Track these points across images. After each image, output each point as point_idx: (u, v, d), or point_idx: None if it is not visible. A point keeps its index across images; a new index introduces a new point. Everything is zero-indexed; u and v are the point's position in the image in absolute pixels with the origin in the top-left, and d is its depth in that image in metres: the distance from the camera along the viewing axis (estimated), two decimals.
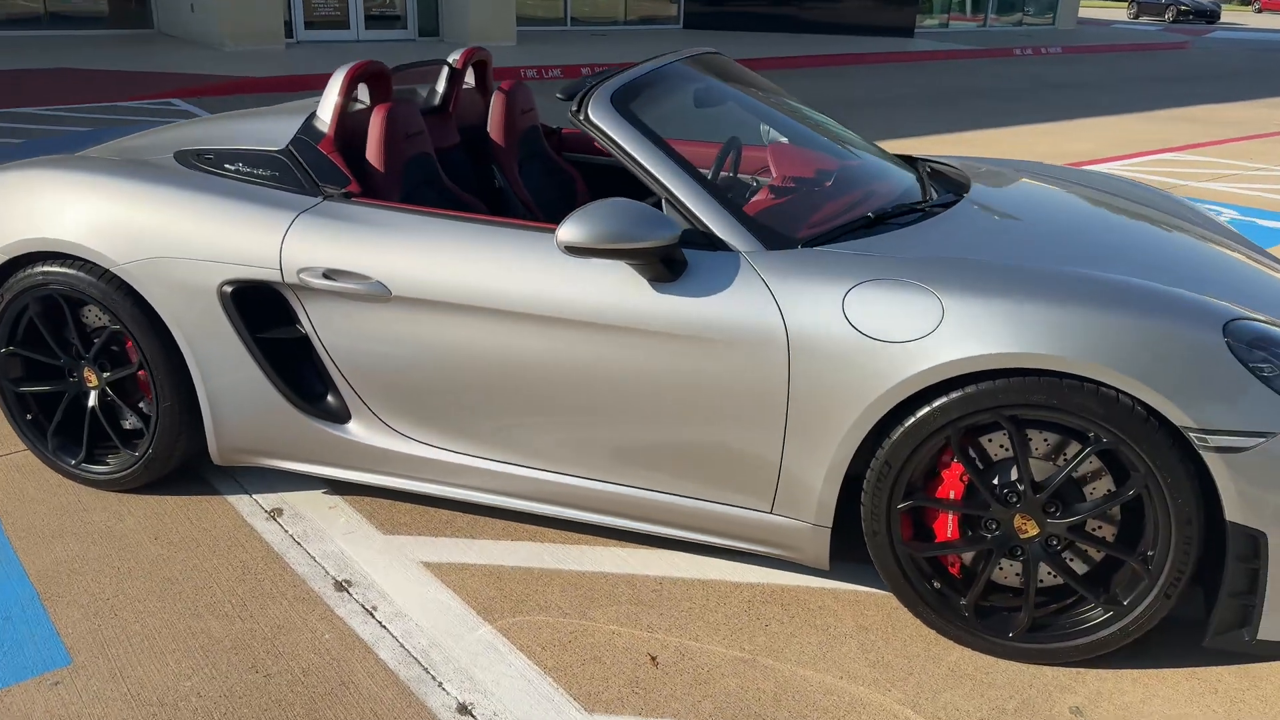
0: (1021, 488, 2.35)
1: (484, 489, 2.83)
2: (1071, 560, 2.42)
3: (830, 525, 2.51)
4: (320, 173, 2.92)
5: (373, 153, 3.04)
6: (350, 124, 3.10)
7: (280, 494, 3.16)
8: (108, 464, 3.15)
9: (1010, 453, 2.38)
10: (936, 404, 2.33)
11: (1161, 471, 2.22)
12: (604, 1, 20.74)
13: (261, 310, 2.88)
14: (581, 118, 2.64)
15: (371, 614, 2.61)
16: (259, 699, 2.31)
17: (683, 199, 2.55)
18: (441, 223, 2.71)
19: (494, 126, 3.66)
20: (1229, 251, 2.98)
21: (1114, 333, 2.21)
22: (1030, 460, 2.36)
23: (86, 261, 2.94)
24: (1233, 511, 2.21)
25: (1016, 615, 2.45)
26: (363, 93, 3.33)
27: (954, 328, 2.29)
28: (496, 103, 3.65)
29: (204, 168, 3.01)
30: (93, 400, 3.12)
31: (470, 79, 3.88)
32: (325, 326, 2.80)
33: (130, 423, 3.14)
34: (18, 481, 3.23)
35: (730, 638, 2.54)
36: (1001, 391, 2.27)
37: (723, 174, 3.42)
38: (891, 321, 2.33)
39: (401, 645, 2.49)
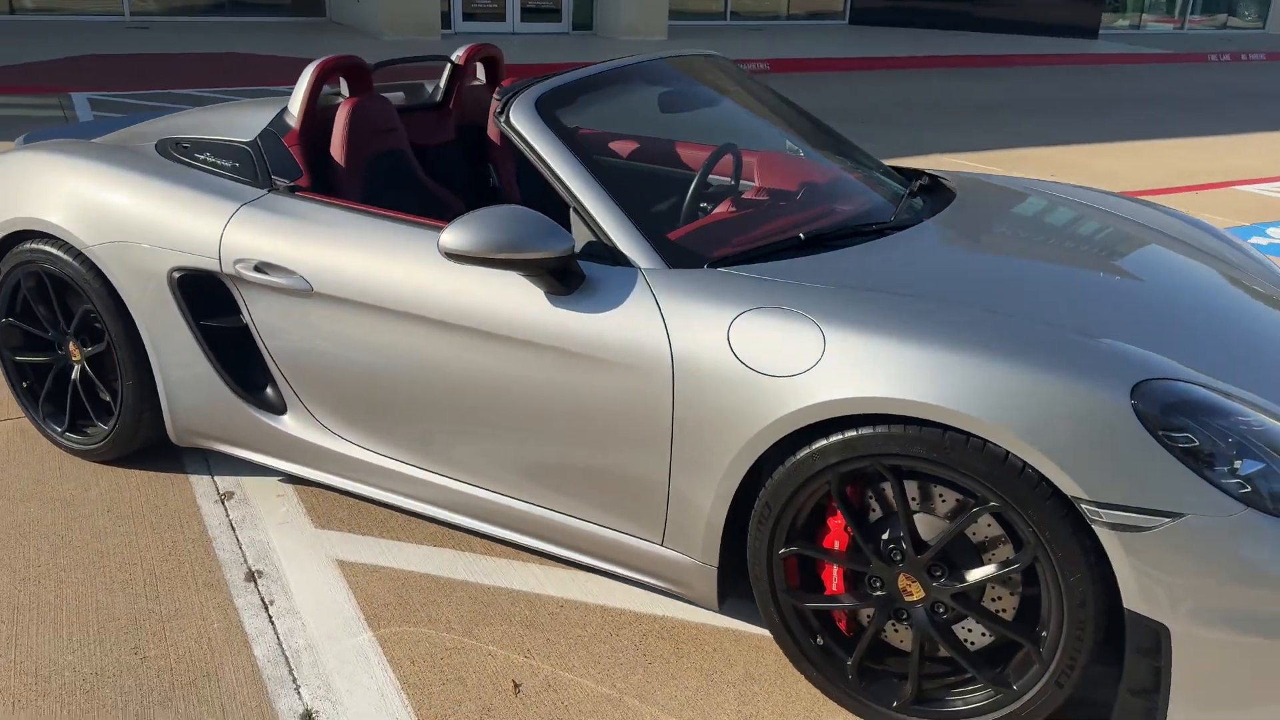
0: (905, 546, 2.13)
1: (404, 494, 2.80)
2: (969, 631, 2.18)
3: (716, 564, 2.35)
4: (276, 165, 2.95)
5: (336, 147, 3.06)
6: (322, 118, 3.12)
7: (239, 478, 3.23)
8: (85, 435, 3.29)
9: (912, 504, 2.16)
10: (816, 446, 2.14)
11: (1052, 545, 1.96)
12: None
13: (210, 298, 2.94)
14: (503, 121, 2.56)
15: (266, 608, 2.62)
16: (124, 681, 2.36)
17: (589, 209, 2.43)
18: (366, 220, 2.69)
19: (491, 125, 3.62)
20: (1259, 300, 2.62)
21: (1003, 385, 1.96)
22: (919, 517, 2.14)
23: (64, 242, 3.07)
24: (1131, 599, 1.93)
25: (904, 684, 2.22)
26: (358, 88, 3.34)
27: (833, 366, 2.09)
28: (495, 100, 3.60)
29: (178, 157, 3.10)
30: (75, 373, 3.27)
31: (481, 75, 3.85)
32: (262, 318, 2.83)
33: (105, 397, 3.27)
34: (16, 444, 3.42)
35: (606, 672, 2.41)
36: (881, 439, 2.06)
37: (712, 179, 3.27)
38: (773, 353, 2.15)
39: (279, 643, 2.49)
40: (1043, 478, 1.94)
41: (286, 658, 2.44)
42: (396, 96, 3.71)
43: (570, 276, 2.36)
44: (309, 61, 3.51)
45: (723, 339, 2.20)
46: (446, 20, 15.68)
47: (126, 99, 9.83)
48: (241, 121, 3.13)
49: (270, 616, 2.59)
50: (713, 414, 2.22)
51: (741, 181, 3.26)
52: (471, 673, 2.41)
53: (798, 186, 3.03)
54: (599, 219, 2.42)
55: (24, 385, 3.39)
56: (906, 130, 9.94)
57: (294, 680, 2.37)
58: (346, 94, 3.28)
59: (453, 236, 2.29)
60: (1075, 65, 17.12)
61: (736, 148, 3.32)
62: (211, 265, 2.83)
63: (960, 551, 2.11)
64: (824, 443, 2.12)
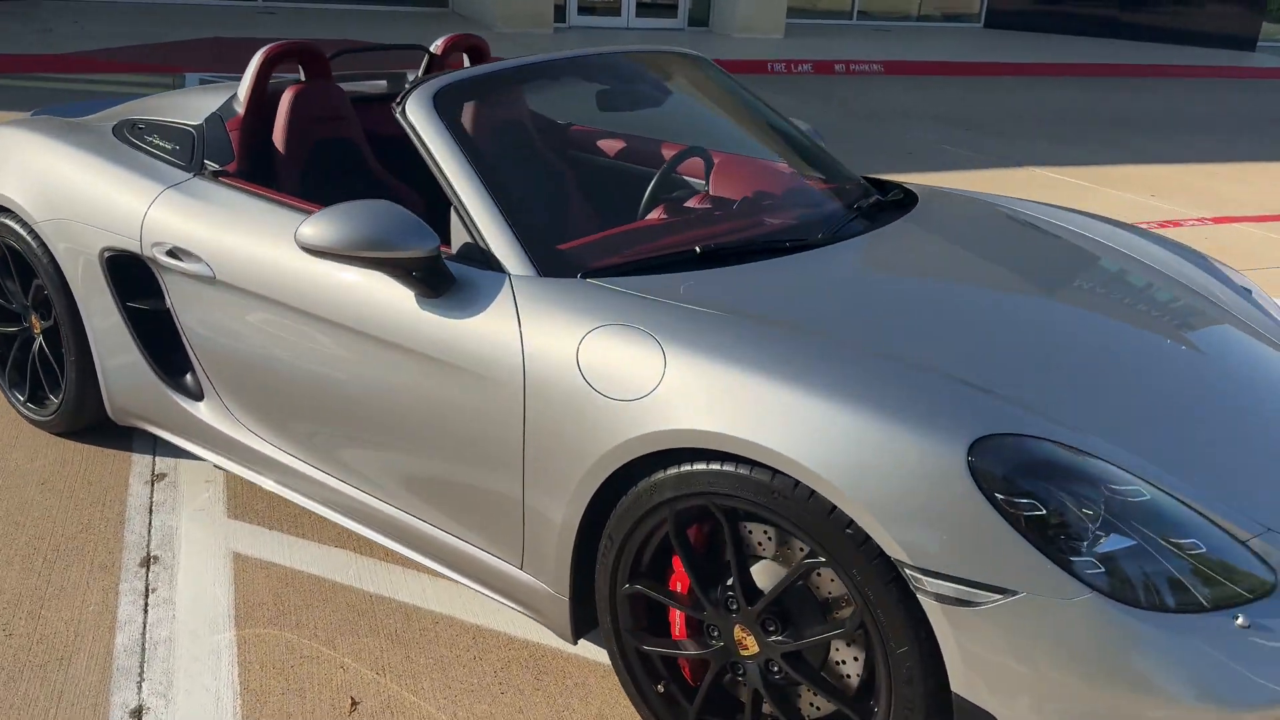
0: (736, 595, 1.93)
1: (300, 491, 2.73)
2: (812, 695, 1.96)
3: (568, 596, 2.19)
4: (212, 150, 2.93)
5: (277, 134, 3.01)
6: (273, 104, 3.08)
7: (178, 461, 3.23)
8: (43, 407, 3.35)
9: (761, 550, 1.96)
10: (654, 478, 1.96)
11: (879, 611, 1.74)
12: None
13: (138, 280, 2.93)
14: (398, 112, 2.45)
15: (146, 595, 2.60)
16: None
17: (468, 209, 2.30)
18: (268, 208, 2.63)
19: (517, 126, 3.52)
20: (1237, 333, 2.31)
21: (833, 428, 1.74)
22: (766, 565, 1.93)
23: (19, 216, 3.13)
24: (958, 681, 1.69)
25: None
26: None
27: (668, 393, 1.91)
28: (521, 100, 3.50)
29: (128, 137, 3.11)
30: (35, 346, 3.33)
31: (468, 65, 3.76)
32: (178, 304, 2.80)
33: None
34: None
35: (452, 699, 2.29)
36: (712, 477, 1.87)
37: (673, 179, 3.09)
38: (616, 374, 1.98)
39: (142, 634, 2.46)
40: (869, 535, 1.72)
41: (143, 649, 2.40)
42: (378, 85, 3.66)
43: (439, 279, 2.24)
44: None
45: (572, 355, 2.04)
46: (562, 14, 15.75)
47: (233, 79, 10.19)
48: (199, 105, 3.12)
49: (146, 605, 2.56)
50: (559, 435, 2.06)
51: (689, 184, 3.07)
52: (315, 685, 2.32)
53: (739, 194, 2.83)
54: (476, 220, 2.29)
55: None
56: (1007, 140, 9.44)
57: (140, 674, 2.33)
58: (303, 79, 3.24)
59: (311, 230, 2.19)
60: (1227, 79, 16.00)
61: (704, 151, 3.14)
62: (134, 247, 2.82)
63: (801, 608, 1.90)
64: (661, 475, 1.94)
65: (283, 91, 3.10)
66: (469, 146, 2.38)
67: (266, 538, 2.85)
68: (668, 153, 3.37)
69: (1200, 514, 1.73)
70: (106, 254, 2.90)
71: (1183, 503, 1.73)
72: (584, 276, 2.20)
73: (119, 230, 2.85)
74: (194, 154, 2.93)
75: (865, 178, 3.17)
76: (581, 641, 2.48)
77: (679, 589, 2.05)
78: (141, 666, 2.35)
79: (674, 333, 1.97)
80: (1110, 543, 1.66)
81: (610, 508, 2.10)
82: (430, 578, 2.70)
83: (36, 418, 3.35)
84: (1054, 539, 1.63)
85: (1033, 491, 1.66)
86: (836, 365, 1.84)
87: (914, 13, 20.05)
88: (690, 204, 2.81)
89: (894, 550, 1.68)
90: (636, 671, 2.12)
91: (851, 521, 1.73)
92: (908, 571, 1.68)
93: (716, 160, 3.04)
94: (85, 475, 3.14)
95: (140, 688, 2.29)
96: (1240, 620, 1.62)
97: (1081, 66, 15.13)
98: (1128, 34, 20.18)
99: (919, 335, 2.03)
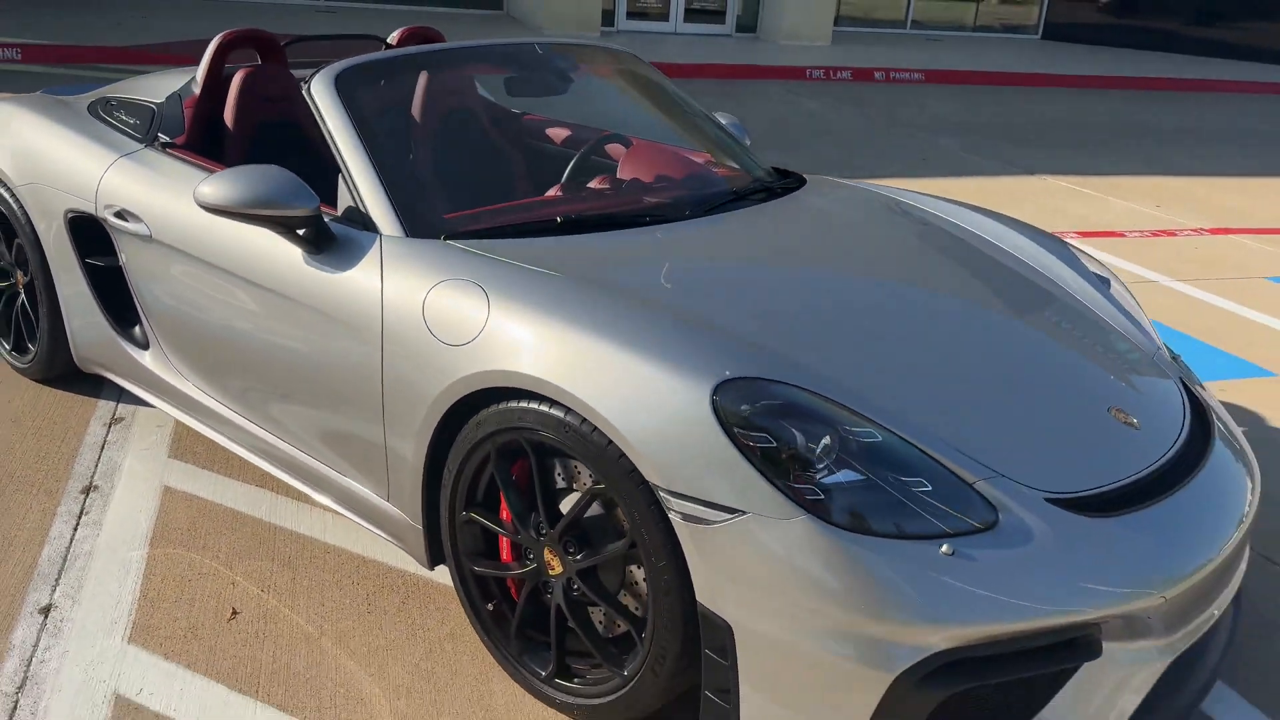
0: (542, 520, 2.16)
1: (220, 432, 3.02)
2: (603, 614, 2.18)
3: (420, 525, 2.44)
4: (167, 124, 3.25)
5: (227, 112, 3.32)
6: (226, 86, 3.39)
7: (135, 408, 3.55)
8: (24, 355, 3.71)
9: (564, 482, 2.19)
10: (479, 415, 2.20)
11: (642, 530, 1.96)
12: (958, 5, 19.79)
13: (96, 239, 3.26)
14: (305, 90, 2.73)
15: (79, 516, 2.91)
16: None
17: (352, 174, 2.57)
18: (200, 175, 2.92)
19: (415, 105, 3.80)
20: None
21: (607, 368, 1.97)
22: (574, 496, 2.17)
23: (3, 182, 3.48)
24: (701, 593, 1.90)
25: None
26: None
27: (488, 339, 2.15)
28: (420, 82, 3.78)
29: (99, 112, 3.45)
30: (19, 300, 3.69)
31: None
32: (126, 260, 3.12)
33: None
34: None
35: (322, 614, 2.56)
36: (520, 413, 2.11)
37: (592, 163, 3.33)
38: (451, 322, 2.23)
39: (67, 548, 2.77)
40: (634, 465, 1.94)
41: (64, 560, 2.71)
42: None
43: (322, 237, 2.51)
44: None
45: (419, 306, 2.30)
46: (610, 18, 16.06)
47: None
48: (165, 85, 3.45)
49: (77, 525, 2.88)
50: (409, 379, 2.32)
51: (610, 167, 3.31)
52: (204, 596, 2.60)
53: (644, 177, 3.06)
54: (358, 184, 2.56)
55: None
56: (1032, 148, 9.48)
57: (56, 580, 2.64)
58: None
59: (209, 189, 2.48)
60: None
61: (624, 139, 3.38)
62: (91, 209, 3.15)
63: (595, 532, 2.13)
64: (485, 412, 2.19)
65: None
66: (361, 121, 2.65)
67: (198, 476, 3.16)
68: (606, 143, 3.61)
69: (931, 458, 1.92)
70: (69, 215, 3.23)
71: (915, 447, 1.92)
72: (448, 239, 2.45)
73: (78, 194, 3.18)
74: (150, 127, 3.25)
75: (775, 168, 3.38)
76: (445, 571, 2.73)
77: (504, 517, 2.29)
78: (59, 574, 2.66)
79: (499, 287, 2.21)
80: (841, 476, 1.86)
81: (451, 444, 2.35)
82: (331, 516, 2.98)
83: (19, 365, 3.71)
84: (781, 469, 1.84)
85: (766, 427, 1.87)
86: (622, 317, 2.07)
87: (969, 23, 19.98)
88: (593, 184, 3.05)
89: (651, 475, 1.90)
90: (472, 591, 2.37)
91: (623, 453, 1.95)
92: (661, 494, 1.90)
93: (628, 149, 3.28)
94: (52, 415, 3.48)
95: (54, 591, 2.60)
96: (945, 549, 1.81)
97: (1132, 80, 14.99)
98: (1190, 49, 19.86)
99: (715, 295, 2.25)
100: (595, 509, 2.11)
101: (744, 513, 1.83)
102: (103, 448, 3.29)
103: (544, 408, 2.06)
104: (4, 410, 3.49)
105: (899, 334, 2.30)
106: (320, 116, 2.67)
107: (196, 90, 3.33)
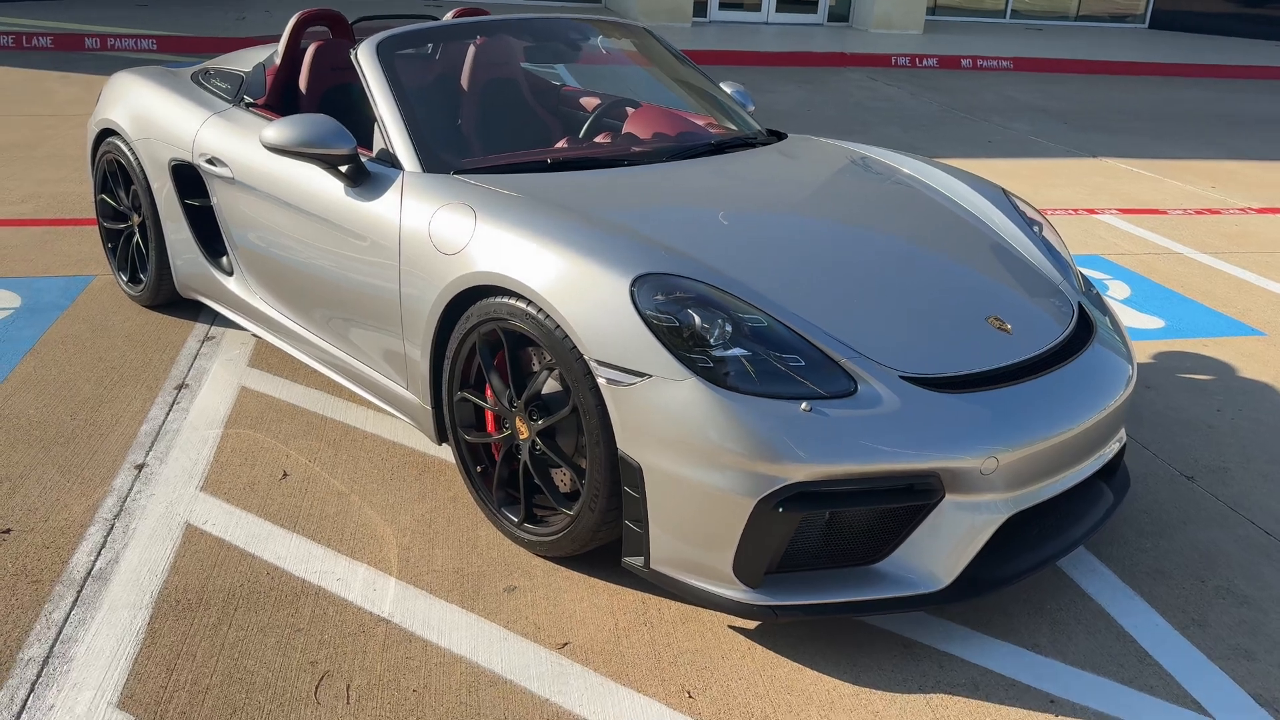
0: (514, 395, 2.70)
1: (287, 341, 3.65)
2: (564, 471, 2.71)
3: (430, 405, 3.01)
4: (251, 88, 3.90)
5: (301, 79, 3.96)
6: (302, 57, 4.03)
7: (224, 329, 4.24)
8: (137, 285, 4.43)
9: (537, 366, 2.73)
10: (468, 311, 2.75)
11: (579, 395, 2.48)
12: None
13: (194, 183, 3.93)
14: (352, 55, 3.33)
15: (172, 405, 3.58)
16: (48, 429, 3.38)
17: (385, 121, 3.16)
18: (265, 125, 3.55)
19: (442, 67, 4.39)
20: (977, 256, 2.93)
21: (559, 270, 2.50)
22: (543, 376, 2.70)
23: (123, 137, 4.20)
24: (621, 442, 2.41)
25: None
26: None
27: (473, 248, 2.70)
28: (469, 54, 4.37)
29: (199, 80, 4.13)
30: (135, 239, 4.41)
31: None
32: (217, 200, 3.78)
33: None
34: (109, 292, 4.63)
35: (353, 478, 3.15)
36: (496, 306, 2.65)
37: (604, 123, 3.86)
38: (448, 237, 2.79)
39: (161, 425, 3.43)
40: (575, 343, 2.46)
41: (157, 434, 3.38)
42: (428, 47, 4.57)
43: (358, 173, 3.10)
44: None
45: (426, 225, 2.87)
46: (703, 9, 16.52)
47: None
48: (254, 58, 4.11)
49: (170, 410, 3.55)
50: (419, 284, 2.89)
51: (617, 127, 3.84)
52: (264, 462, 3.23)
53: (643, 134, 3.57)
54: (389, 129, 3.14)
55: (109, 247, 4.59)
56: (1101, 134, 9.61)
57: (149, 448, 3.30)
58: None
59: (270, 132, 3.09)
60: None
61: (634, 102, 3.91)
62: (189, 158, 3.82)
63: (552, 403, 2.66)
64: (471, 308, 2.74)
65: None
66: (394, 80, 3.23)
67: (270, 380, 3.81)
68: (621, 106, 4.14)
69: (807, 340, 2.39)
70: (173, 163, 3.92)
71: (795, 332, 2.39)
72: (456, 174, 3.02)
73: (180, 145, 3.86)
74: (239, 91, 3.91)
75: (769, 130, 3.85)
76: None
77: (489, 396, 2.84)
78: (152, 443, 3.32)
79: (485, 207, 2.76)
80: (731, 351, 2.35)
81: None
82: (371, 412, 3.58)
83: (132, 294, 4.43)
84: (681, 343, 2.34)
85: (672, 312, 2.37)
86: (573, 230, 2.60)
87: (1073, 12, 19.75)
88: (598, 138, 3.59)
89: (585, 350, 2.42)
90: (465, 457, 2.93)
91: (566, 334, 2.47)
92: (591, 363, 2.42)
93: (633, 111, 3.80)
94: (157, 333, 4.18)
95: (147, 454, 3.26)
96: (804, 406, 2.28)
97: (1232, 69, 14.73)
98: None
99: (657, 216, 2.76)
100: (552, 385, 2.64)
101: (650, 375, 2.33)
102: (195, 358, 3.97)
103: (514, 301, 2.60)
104: (120, 329, 4.21)
105: (812, 252, 2.77)
106: (363, 76, 3.26)
107: (277, 60, 3.97)
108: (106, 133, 4.33)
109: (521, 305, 2.57)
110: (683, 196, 2.98)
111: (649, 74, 4.12)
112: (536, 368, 2.71)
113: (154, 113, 4.04)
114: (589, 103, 4.30)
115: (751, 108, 4.16)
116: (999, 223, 3.21)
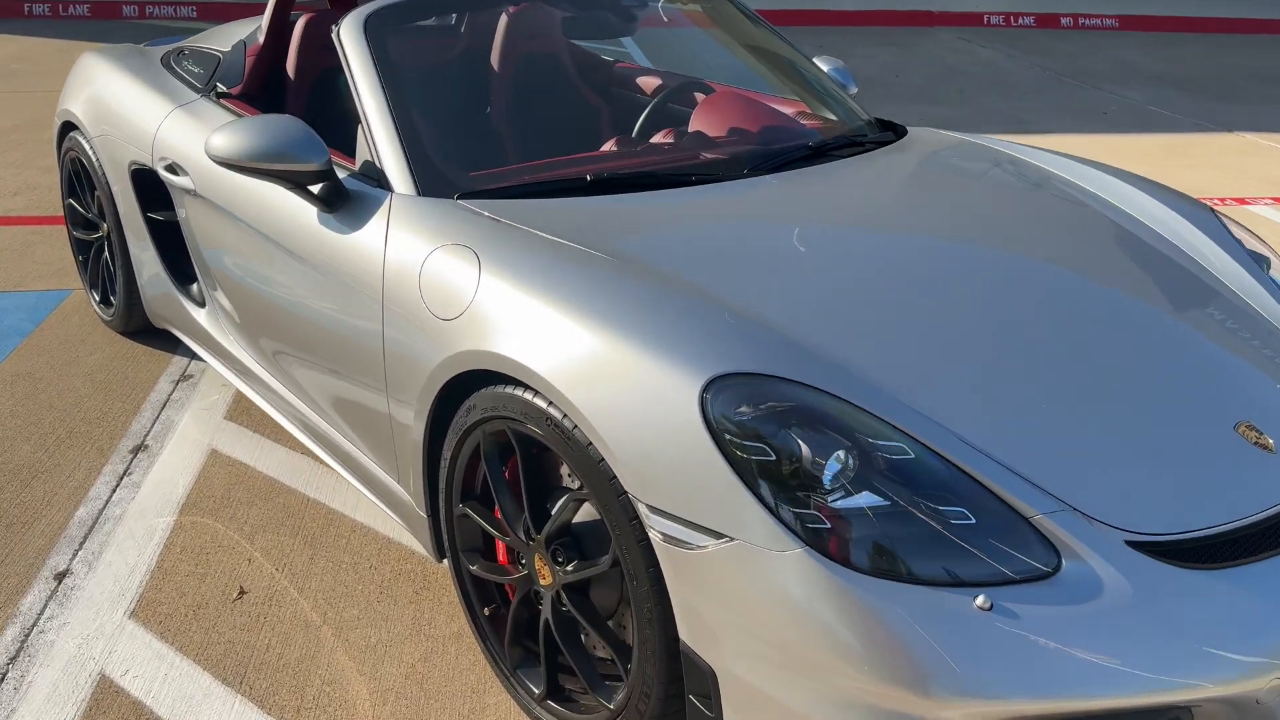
0: (529, 523, 1.89)
1: (264, 397, 2.89)
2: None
3: (426, 514, 2.22)
4: (227, 73, 3.12)
5: (290, 61, 3.17)
6: (290, 32, 3.23)
7: (206, 364, 3.50)
8: (109, 307, 3.71)
9: (565, 483, 1.92)
10: (471, 399, 1.95)
11: (623, 547, 1.66)
12: None
13: (158, 192, 3.17)
14: (334, 35, 2.52)
15: (123, 477, 2.85)
16: None
17: (371, 126, 2.34)
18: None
19: (494, 50, 3.55)
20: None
21: (594, 359, 1.67)
22: (555, 487, 1.89)
23: (83, 132, 3.46)
24: (684, 628, 1.59)
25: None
26: None
27: (474, 313, 1.89)
28: (500, 26, 3.53)
29: (170, 63, 3.36)
30: (105, 251, 3.69)
31: None
32: (181, 215, 3.02)
33: None
34: (81, 310, 3.92)
35: (330, 600, 2.38)
36: (507, 400, 1.84)
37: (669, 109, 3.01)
38: (444, 292, 1.98)
39: (101, 509, 2.70)
40: (615, 475, 1.64)
41: (95, 524, 2.64)
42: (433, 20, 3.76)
43: (334, 194, 2.30)
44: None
45: (416, 272, 2.06)
46: None
47: None
48: (240, 33, 3.33)
49: (118, 485, 2.81)
50: (406, 351, 2.09)
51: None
52: (219, 569, 2.48)
53: (716, 130, 2.72)
54: (375, 136, 2.33)
55: (80, 259, 3.87)
56: (1229, 103, 8.45)
57: (81, 543, 2.57)
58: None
59: (218, 139, 2.30)
60: None
61: (703, 84, 3.05)
62: (149, 162, 3.06)
63: (587, 543, 1.84)
64: (475, 396, 1.93)
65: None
66: (388, 68, 2.42)
67: (247, 440, 3.05)
68: (688, 91, 3.27)
69: (978, 482, 1.53)
70: (132, 167, 3.16)
71: (958, 468, 1.54)
72: (461, 198, 2.20)
73: (139, 145, 3.10)
74: (211, 77, 3.13)
75: (879, 120, 2.96)
76: None
77: (499, 516, 2.04)
78: (85, 537, 2.59)
79: (493, 253, 1.94)
80: (859, 500, 1.51)
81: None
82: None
83: (104, 317, 3.71)
84: (781, 489, 1.50)
85: (765, 436, 1.53)
86: (617, 295, 1.77)
87: None
88: (656, 138, 2.73)
89: (631, 485, 1.60)
90: (470, 592, 2.13)
91: (603, 457, 1.66)
92: (640, 508, 1.60)
93: (704, 98, 2.94)
94: (125, 370, 3.46)
95: (74, 556, 2.52)
96: (980, 601, 1.43)
97: None
98: None
99: (741, 270, 1.91)
100: (588, 514, 1.83)
101: (732, 539, 1.50)
102: (164, 406, 3.24)
103: (529, 396, 1.79)
104: (84, 363, 3.49)
105: (967, 319, 1.90)
106: (345, 61, 2.46)
107: (261, 37, 3.19)
108: (69, 126, 3.60)
109: (540, 404, 1.76)
110: (773, 234, 2.12)
111: (720, 43, 3.26)
112: (564, 482, 1.90)
113: (113, 104, 3.29)
114: (647, 83, 3.44)
115: (854, 90, 3.27)
116: (1217, 261, 2.29)
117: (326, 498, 2.78)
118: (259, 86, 3.15)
